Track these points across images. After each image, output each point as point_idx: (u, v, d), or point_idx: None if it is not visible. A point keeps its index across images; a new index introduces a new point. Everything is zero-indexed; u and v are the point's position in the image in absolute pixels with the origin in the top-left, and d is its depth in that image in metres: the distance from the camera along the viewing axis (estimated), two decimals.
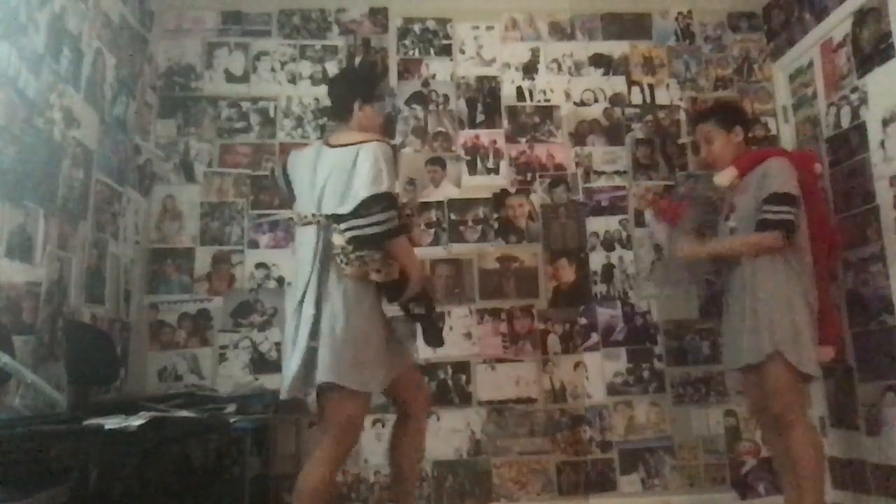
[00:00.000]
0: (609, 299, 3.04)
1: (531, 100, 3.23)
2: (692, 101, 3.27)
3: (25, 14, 2.02)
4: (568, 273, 3.06)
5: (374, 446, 2.83)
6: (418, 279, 1.95)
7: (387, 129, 2.34)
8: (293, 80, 3.17)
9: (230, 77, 3.14)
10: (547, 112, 3.22)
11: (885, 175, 2.52)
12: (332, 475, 1.87)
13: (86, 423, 1.64)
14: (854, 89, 2.70)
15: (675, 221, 2.45)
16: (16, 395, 1.82)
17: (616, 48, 3.31)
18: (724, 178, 2.34)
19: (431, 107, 3.19)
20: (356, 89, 2.05)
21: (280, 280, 2.96)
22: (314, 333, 1.79)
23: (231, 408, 2.23)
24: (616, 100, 3.26)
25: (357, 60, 3.13)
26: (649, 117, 3.25)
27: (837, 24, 2.78)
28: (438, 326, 1.93)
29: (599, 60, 3.30)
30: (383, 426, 2.85)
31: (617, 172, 3.17)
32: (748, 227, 2.25)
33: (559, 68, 3.28)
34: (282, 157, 2.20)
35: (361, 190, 1.82)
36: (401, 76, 3.22)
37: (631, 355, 2.99)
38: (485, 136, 3.17)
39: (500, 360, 2.95)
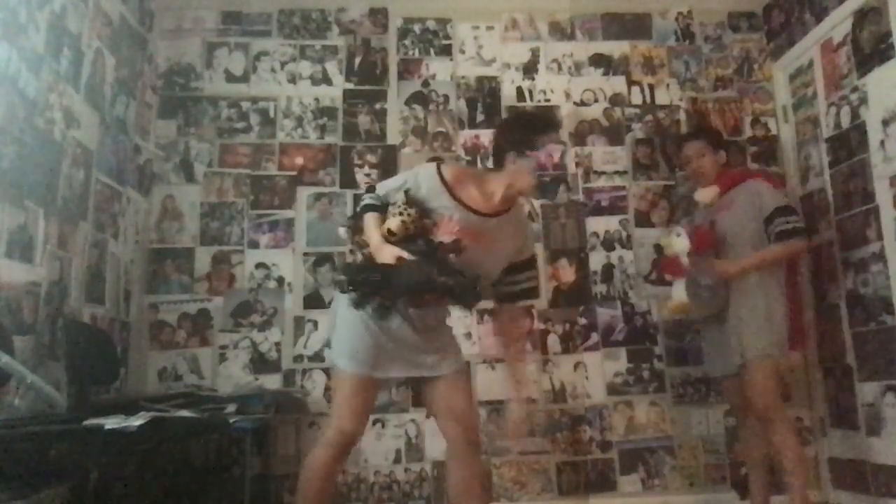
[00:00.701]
0: (609, 299, 3.04)
1: (531, 100, 3.23)
2: (692, 101, 3.27)
3: (25, 14, 2.02)
4: (568, 273, 3.05)
5: (374, 446, 2.83)
6: (376, 247, 1.76)
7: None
8: (293, 80, 3.17)
9: (230, 77, 3.14)
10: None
11: (885, 175, 2.52)
12: (323, 456, 1.81)
13: (86, 423, 1.64)
14: (854, 89, 2.69)
15: (681, 273, 2.51)
16: (16, 396, 1.82)
17: (616, 48, 3.31)
18: (706, 195, 2.55)
19: (431, 107, 3.19)
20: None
21: (280, 280, 2.96)
22: None
23: (231, 408, 2.23)
24: (616, 100, 3.26)
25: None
26: (649, 117, 3.25)
27: (837, 24, 2.78)
28: (470, 285, 1.69)
29: (599, 60, 3.30)
30: (383, 426, 2.85)
31: (617, 172, 3.17)
32: (739, 240, 2.41)
33: (559, 68, 3.28)
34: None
35: None
36: (401, 76, 3.21)
37: (631, 355, 2.99)
38: (485, 136, 3.17)
39: (500, 360, 2.95)
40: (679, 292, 2.49)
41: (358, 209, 1.91)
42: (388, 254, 1.71)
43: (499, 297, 2.00)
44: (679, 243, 2.49)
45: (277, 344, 2.89)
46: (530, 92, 3.24)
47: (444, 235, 1.75)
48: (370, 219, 1.82)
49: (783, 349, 2.35)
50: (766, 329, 2.31)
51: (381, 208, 1.83)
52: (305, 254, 2.99)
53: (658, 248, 3.05)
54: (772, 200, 2.40)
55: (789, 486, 2.28)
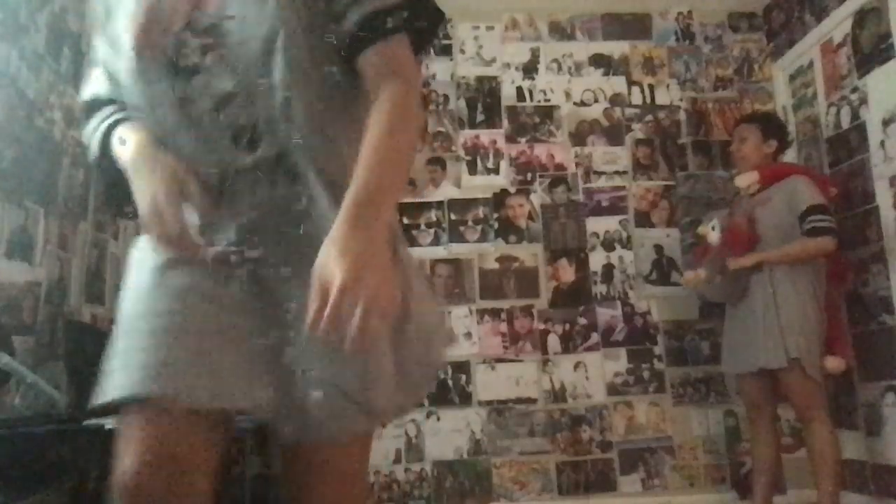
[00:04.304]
0: (609, 299, 3.04)
1: (531, 100, 3.23)
2: (692, 102, 3.27)
3: (26, 14, 2.02)
4: (568, 273, 3.06)
5: (374, 446, 2.81)
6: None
7: None
8: None
9: None
10: (547, 112, 3.22)
11: (885, 175, 2.52)
12: None
13: (86, 423, 1.64)
14: (854, 89, 2.70)
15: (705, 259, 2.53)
16: (15, 396, 1.82)
17: (616, 48, 3.31)
18: (743, 180, 2.48)
19: (431, 107, 3.19)
20: None
21: None
22: None
23: None
24: (616, 100, 3.26)
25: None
26: (649, 117, 3.25)
27: (837, 24, 2.78)
28: None
29: (599, 60, 3.30)
30: (383, 426, 2.84)
31: (617, 172, 3.17)
32: (775, 237, 2.36)
33: (559, 68, 3.28)
34: None
35: None
36: None
37: (631, 355, 2.99)
38: (485, 136, 3.17)
39: (500, 360, 2.95)
40: (700, 270, 2.51)
41: None
42: None
43: None
44: (712, 236, 2.49)
45: None
46: (530, 92, 3.24)
47: None
48: None
49: (815, 355, 2.28)
50: (803, 331, 2.26)
51: None
52: None
53: (658, 248, 3.06)
54: (808, 197, 2.33)
55: (821, 488, 2.24)
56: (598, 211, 3.13)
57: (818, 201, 2.33)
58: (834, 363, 2.34)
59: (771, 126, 2.57)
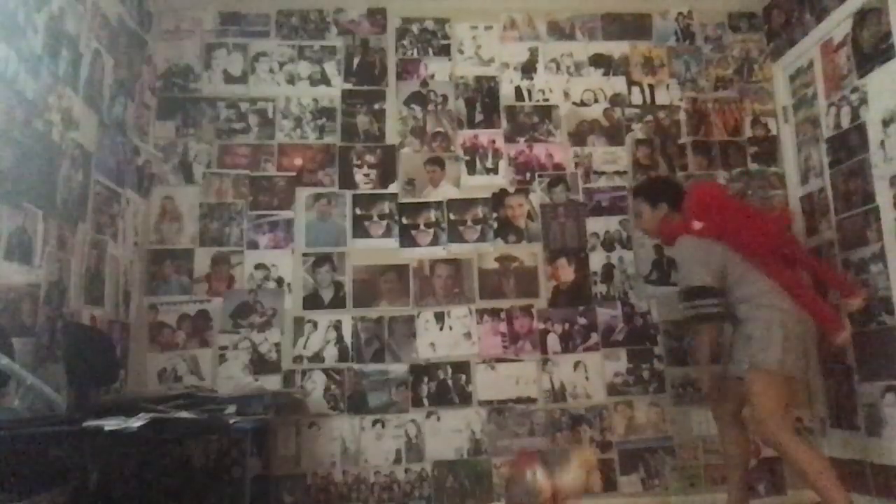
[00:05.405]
0: (609, 299, 3.04)
1: (530, 99, 3.23)
2: (692, 102, 3.27)
3: (24, 15, 2.02)
4: (567, 273, 3.05)
5: (374, 446, 2.83)
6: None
7: None
8: (292, 80, 3.16)
9: (229, 78, 3.14)
10: (546, 112, 3.22)
11: (885, 175, 2.51)
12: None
13: (85, 424, 1.64)
14: (854, 89, 2.69)
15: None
16: (15, 397, 1.82)
17: (616, 48, 3.31)
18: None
19: (430, 107, 3.19)
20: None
21: (279, 281, 2.95)
22: None
23: (231, 408, 2.22)
24: (616, 100, 3.26)
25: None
26: (649, 117, 3.24)
27: (837, 24, 2.78)
28: None
29: (599, 60, 3.30)
30: (383, 426, 2.85)
31: (617, 172, 3.17)
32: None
33: (557, 68, 3.27)
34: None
35: None
36: (399, 76, 3.21)
37: (631, 355, 2.99)
38: (483, 135, 3.17)
39: (499, 360, 2.95)
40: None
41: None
42: None
43: None
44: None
45: (277, 345, 2.89)
46: (529, 92, 3.24)
47: None
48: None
49: (769, 351, 2.24)
50: (756, 341, 2.27)
51: None
52: (305, 254, 2.99)
53: (658, 248, 3.06)
54: (686, 276, 2.36)
55: (820, 495, 2.17)
56: (598, 211, 3.12)
57: (695, 283, 2.31)
58: (841, 336, 2.39)
59: (653, 192, 2.63)
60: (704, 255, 2.33)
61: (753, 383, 2.26)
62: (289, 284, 2.95)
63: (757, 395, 2.25)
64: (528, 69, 3.26)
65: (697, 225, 2.40)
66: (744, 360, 2.31)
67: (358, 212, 3.05)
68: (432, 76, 3.22)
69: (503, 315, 2.99)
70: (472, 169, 3.14)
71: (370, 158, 3.11)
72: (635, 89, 3.28)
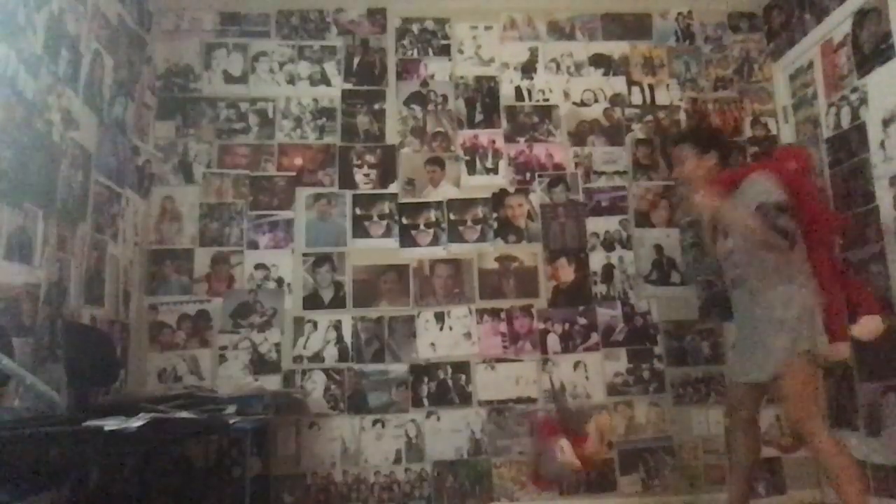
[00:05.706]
0: (609, 299, 3.04)
1: (530, 99, 3.23)
2: (692, 102, 3.27)
3: (24, 16, 2.02)
4: (567, 273, 3.05)
5: (374, 446, 2.83)
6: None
7: None
8: (292, 80, 3.16)
9: (229, 78, 3.14)
10: (546, 112, 3.22)
11: (885, 175, 2.51)
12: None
13: (85, 424, 1.64)
14: (854, 89, 2.69)
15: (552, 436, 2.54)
16: (15, 397, 1.82)
17: (616, 48, 3.31)
18: (700, 202, 2.27)
19: (430, 107, 3.19)
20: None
21: (279, 281, 2.95)
22: None
23: (231, 408, 2.23)
24: (616, 100, 3.26)
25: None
26: (649, 117, 3.24)
27: (837, 24, 2.78)
28: None
29: (599, 60, 3.30)
30: (383, 426, 2.85)
31: (617, 172, 3.17)
32: (745, 246, 2.21)
33: (557, 68, 3.27)
34: None
35: None
36: (399, 76, 3.21)
37: (631, 355, 2.99)
38: (483, 135, 3.17)
39: (499, 360, 2.95)
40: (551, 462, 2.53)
41: None
42: None
43: None
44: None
45: (277, 344, 2.89)
46: (529, 92, 3.24)
47: None
48: None
49: (807, 341, 2.09)
50: (781, 342, 2.10)
51: None
52: (305, 254, 2.99)
53: (658, 249, 3.06)
54: (762, 194, 2.13)
55: (841, 496, 2.07)
56: (598, 211, 3.13)
57: (772, 199, 2.11)
58: (836, 349, 2.18)
59: (704, 139, 2.41)
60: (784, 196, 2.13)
61: (790, 378, 2.09)
62: (289, 284, 2.95)
63: (795, 395, 2.10)
64: (528, 69, 3.26)
65: (792, 165, 2.23)
66: (776, 351, 2.11)
67: (358, 212, 3.05)
68: (432, 76, 3.22)
69: (503, 315, 2.99)
70: (472, 169, 3.14)
71: (370, 158, 3.11)
72: (635, 89, 3.28)
